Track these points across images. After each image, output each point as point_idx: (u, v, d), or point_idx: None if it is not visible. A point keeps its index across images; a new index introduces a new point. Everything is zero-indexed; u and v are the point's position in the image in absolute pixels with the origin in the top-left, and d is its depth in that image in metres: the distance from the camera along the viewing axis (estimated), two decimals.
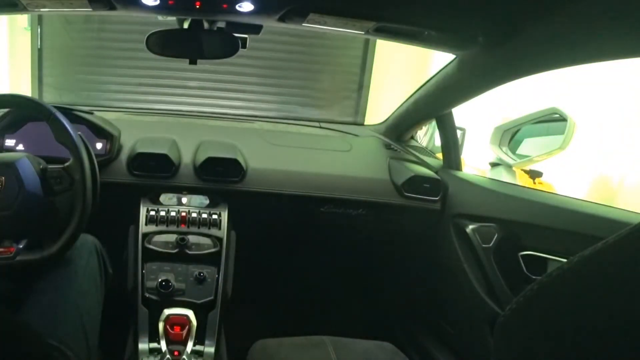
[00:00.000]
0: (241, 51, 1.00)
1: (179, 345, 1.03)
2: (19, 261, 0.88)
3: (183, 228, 1.14)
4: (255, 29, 0.99)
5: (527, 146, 1.54)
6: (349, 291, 1.57)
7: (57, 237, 0.91)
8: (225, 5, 0.87)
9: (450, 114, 1.35)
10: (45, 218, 0.95)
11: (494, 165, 1.63)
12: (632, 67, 1.75)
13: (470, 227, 1.18)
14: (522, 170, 1.76)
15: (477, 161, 1.89)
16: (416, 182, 1.30)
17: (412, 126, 1.50)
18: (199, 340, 1.05)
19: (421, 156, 1.49)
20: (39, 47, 2.99)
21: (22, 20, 2.91)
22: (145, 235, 1.12)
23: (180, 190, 1.20)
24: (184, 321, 1.04)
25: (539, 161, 1.49)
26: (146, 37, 0.98)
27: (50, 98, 3.02)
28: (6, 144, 1.16)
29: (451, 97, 1.24)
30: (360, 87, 3.38)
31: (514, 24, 0.87)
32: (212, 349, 1.06)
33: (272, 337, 1.06)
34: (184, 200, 1.19)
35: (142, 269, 1.09)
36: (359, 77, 3.37)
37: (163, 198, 1.19)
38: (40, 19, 2.95)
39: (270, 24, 0.96)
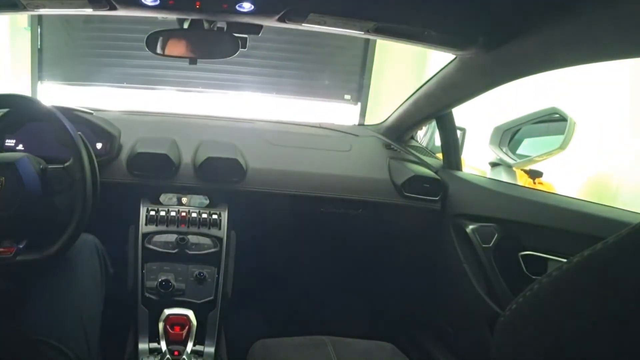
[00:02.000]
0: (240, 51, 1.00)
1: (179, 345, 1.03)
2: (19, 261, 0.88)
3: (183, 228, 1.14)
4: (255, 29, 0.99)
5: (527, 146, 1.54)
6: (349, 291, 1.57)
7: (57, 237, 0.91)
8: (225, 5, 0.87)
9: (450, 114, 1.35)
10: (45, 218, 0.95)
11: (494, 165, 1.63)
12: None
13: (470, 227, 1.18)
14: (522, 170, 1.76)
15: (478, 161, 1.89)
16: (416, 182, 1.30)
17: (412, 126, 1.50)
18: (199, 340, 1.05)
19: (421, 156, 1.49)
20: (39, 47, 2.99)
21: (22, 20, 2.91)
22: (145, 235, 1.12)
23: (180, 190, 1.20)
24: (184, 321, 1.04)
25: (539, 161, 1.49)
26: (146, 37, 0.98)
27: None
28: (6, 144, 1.16)
29: (451, 97, 1.24)
30: (360, 88, 3.37)
31: (513, 25, 0.87)
32: (212, 349, 1.06)
33: (272, 337, 1.06)
34: (184, 200, 1.19)
35: (142, 269, 1.09)
36: (359, 77, 3.36)
37: (163, 198, 1.19)
38: (40, 19, 2.95)
39: (270, 24, 0.96)
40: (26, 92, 2.85)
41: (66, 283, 0.95)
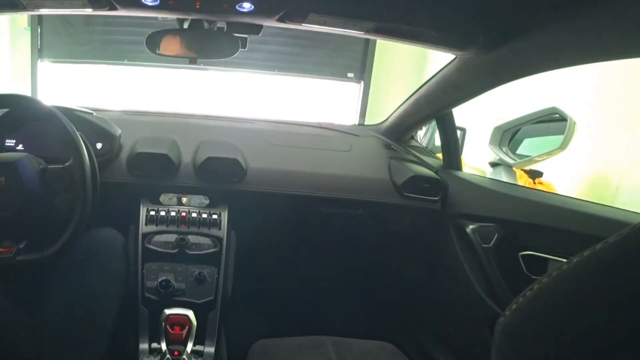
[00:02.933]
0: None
1: (179, 345, 1.03)
2: (19, 261, 0.88)
3: (183, 228, 1.14)
4: (255, 29, 0.99)
5: (527, 146, 1.54)
6: (349, 291, 1.57)
7: (57, 237, 0.91)
8: (225, 5, 0.87)
9: (450, 114, 1.35)
10: (45, 218, 0.95)
11: (494, 165, 1.63)
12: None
13: (470, 227, 1.18)
14: (522, 170, 1.76)
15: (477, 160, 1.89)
16: (416, 182, 1.30)
17: (412, 126, 1.50)
18: (199, 340, 1.05)
19: (421, 156, 1.49)
20: (39, 47, 2.99)
21: (22, 20, 2.91)
22: (145, 235, 1.12)
23: (180, 190, 1.20)
24: (184, 321, 1.04)
25: (539, 161, 1.49)
26: (146, 37, 0.98)
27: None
28: (6, 144, 1.16)
29: (451, 97, 1.24)
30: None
31: (514, 25, 0.87)
32: (212, 349, 1.06)
33: (272, 337, 1.06)
34: (184, 200, 1.19)
35: (142, 269, 1.09)
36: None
37: (163, 198, 1.19)
38: (40, 19, 2.95)
39: (270, 24, 0.96)
40: (26, 92, 2.85)
41: (80, 287, 0.94)
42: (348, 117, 3.39)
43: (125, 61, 3.05)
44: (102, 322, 0.94)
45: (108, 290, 0.98)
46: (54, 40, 3.00)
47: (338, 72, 3.34)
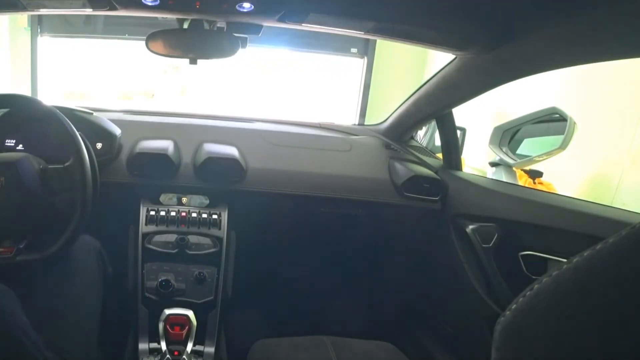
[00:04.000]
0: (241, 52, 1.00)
1: (179, 345, 1.03)
2: (19, 261, 0.88)
3: (183, 228, 1.14)
4: (255, 29, 0.99)
5: (527, 146, 1.54)
6: (349, 291, 1.57)
7: (57, 237, 0.91)
8: (225, 5, 0.87)
9: (450, 114, 1.35)
10: (45, 218, 0.95)
11: (494, 165, 1.63)
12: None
13: (470, 227, 1.18)
14: (522, 170, 1.76)
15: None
16: (416, 182, 1.30)
17: (412, 126, 1.50)
18: (199, 340, 1.06)
19: (421, 156, 1.49)
20: (38, 20, 2.96)
21: (22, 20, 2.91)
22: (145, 235, 1.12)
23: (180, 190, 1.20)
24: (184, 321, 1.04)
25: (539, 161, 1.49)
26: (146, 37, 0.99)
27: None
28: (6, 144, 1.16)
29: (451, 97, 1.24)
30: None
31: (514, 25, 0.87)
32: (212, 349, 1.06)
33: (272, 337, 1.06)
34: (184, 200, 1.19)
35: (142, 269, 1.09)
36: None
37: (163, 198, 1.19)
38: (40, 19, 2.95)
39: (270, 24, 0.96)
40: (26, 92, 2.85)
41: (64, 287, 0.95)
42: (349, 108, 3.36)
43: (127, 35, 3.01)
44: (87, 324, 0.94)
45: (87, 292, 0.99)
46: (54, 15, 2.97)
47: (341, 47, 3.30)
